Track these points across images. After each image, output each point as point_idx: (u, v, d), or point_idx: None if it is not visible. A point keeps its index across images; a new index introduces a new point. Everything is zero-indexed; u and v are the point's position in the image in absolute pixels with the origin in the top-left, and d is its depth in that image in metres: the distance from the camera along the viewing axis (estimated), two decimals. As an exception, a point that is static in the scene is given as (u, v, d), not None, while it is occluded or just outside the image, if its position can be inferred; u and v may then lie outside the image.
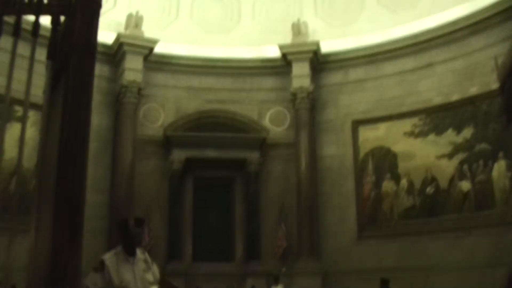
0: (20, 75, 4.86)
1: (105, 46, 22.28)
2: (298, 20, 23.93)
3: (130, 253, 6.06)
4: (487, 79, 19.84)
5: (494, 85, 17.16)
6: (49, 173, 3.88)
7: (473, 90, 20.51)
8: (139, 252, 6.18)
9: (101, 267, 5.87)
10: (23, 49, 5.36)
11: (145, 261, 6.22)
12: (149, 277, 6.18)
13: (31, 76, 4.18)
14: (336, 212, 22.52)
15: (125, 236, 6.11)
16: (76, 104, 3.74)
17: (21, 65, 5.19)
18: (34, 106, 7.11)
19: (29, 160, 14.20)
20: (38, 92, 4.65)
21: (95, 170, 21.14)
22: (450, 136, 20.92)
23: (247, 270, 21.87)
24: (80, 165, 3.72)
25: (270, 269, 21.73)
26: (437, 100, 21.40)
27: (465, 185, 20.30)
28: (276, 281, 20.66)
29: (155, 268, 6.35)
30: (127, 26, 23.01)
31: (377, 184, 22.17)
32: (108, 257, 6.00)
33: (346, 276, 20.74)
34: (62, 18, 4.15)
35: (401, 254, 20.65)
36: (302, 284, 20.93)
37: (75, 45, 3.79)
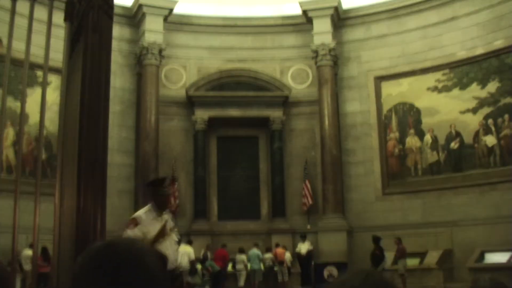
0: (39, 40, 4.88)
1: (124, 8, 22.24)
2: (318, -25, 23.57)
3: (161, 211, 6.34)
4: (513, 31, 19.50)
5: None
6: (72, 135, 3.92)
7: (498, 43, 20.15)
8: (165, 212, 6.47)
9: (134, 222, 6.11)
10: (40, 13, 5.36)
11: (172, 220, 6.55)
12: (175, 236, 6.47)
13: (49, 39, 4.18)
14: (361, 168, 22.52)
15: (158, 195, 6.35)
16: (95, 64, 3.75)
17: (39, 29, 5.21)
18: (57, 70, 7.15)
19: (54, 124, 14.31)
20: (59, 57, 4.67)
21: (120, 132, 21.36)
22: (474, 90, 20.66)
23: (273, 227, 22.07)
24: (102, 125, 3.74)
25: (295, 226, 21.94)
26: (461, 54, 21.07)
27: (490, 140, 20.13)
28: (304, 238, 20.91)
29: (176, 230, 6.65)
30: (145, -13, 22.85)
31: (401, 140, 22.07)
32: (141, 214, 6.26)
33: (371, 231, 20.75)
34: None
35: (426, 210, 20.67)
36: (327, 241, 21.08)
37: (92, 4, 3.78)
